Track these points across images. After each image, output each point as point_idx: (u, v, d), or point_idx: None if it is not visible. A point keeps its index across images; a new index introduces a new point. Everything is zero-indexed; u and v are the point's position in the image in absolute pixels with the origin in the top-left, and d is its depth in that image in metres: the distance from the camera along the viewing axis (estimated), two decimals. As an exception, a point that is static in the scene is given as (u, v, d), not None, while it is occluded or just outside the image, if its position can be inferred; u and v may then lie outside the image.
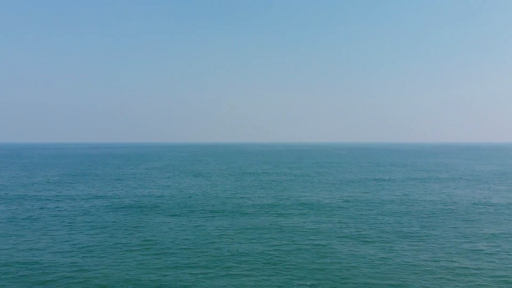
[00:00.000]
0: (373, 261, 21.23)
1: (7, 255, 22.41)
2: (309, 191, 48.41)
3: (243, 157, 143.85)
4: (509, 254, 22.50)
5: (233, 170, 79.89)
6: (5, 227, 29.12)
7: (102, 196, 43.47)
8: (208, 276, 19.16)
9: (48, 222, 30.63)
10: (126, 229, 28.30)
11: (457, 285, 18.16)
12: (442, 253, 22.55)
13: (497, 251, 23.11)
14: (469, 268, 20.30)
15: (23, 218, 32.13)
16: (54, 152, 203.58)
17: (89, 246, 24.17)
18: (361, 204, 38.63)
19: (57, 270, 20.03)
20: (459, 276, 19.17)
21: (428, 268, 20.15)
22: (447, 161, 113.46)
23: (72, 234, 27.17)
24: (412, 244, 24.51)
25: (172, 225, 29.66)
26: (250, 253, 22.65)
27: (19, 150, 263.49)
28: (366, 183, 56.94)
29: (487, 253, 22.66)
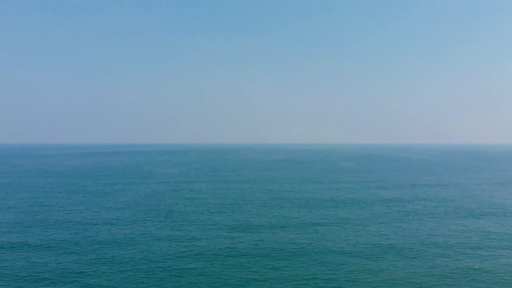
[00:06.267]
0: None
1: None
2: None
3: (241, 176, 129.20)
4: None
5: (225, 218, 65.04)
6: None
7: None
8: None
9: None
10: None
11: None
12: None
13: None
14: None
15: None
16: (37, 165, 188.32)
17: None
18: None
19: None
20: None
21: None
22: (478, 192, 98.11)
23: None
24: None
25: None
26: None
27: (5, 158, 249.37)
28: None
29: None
